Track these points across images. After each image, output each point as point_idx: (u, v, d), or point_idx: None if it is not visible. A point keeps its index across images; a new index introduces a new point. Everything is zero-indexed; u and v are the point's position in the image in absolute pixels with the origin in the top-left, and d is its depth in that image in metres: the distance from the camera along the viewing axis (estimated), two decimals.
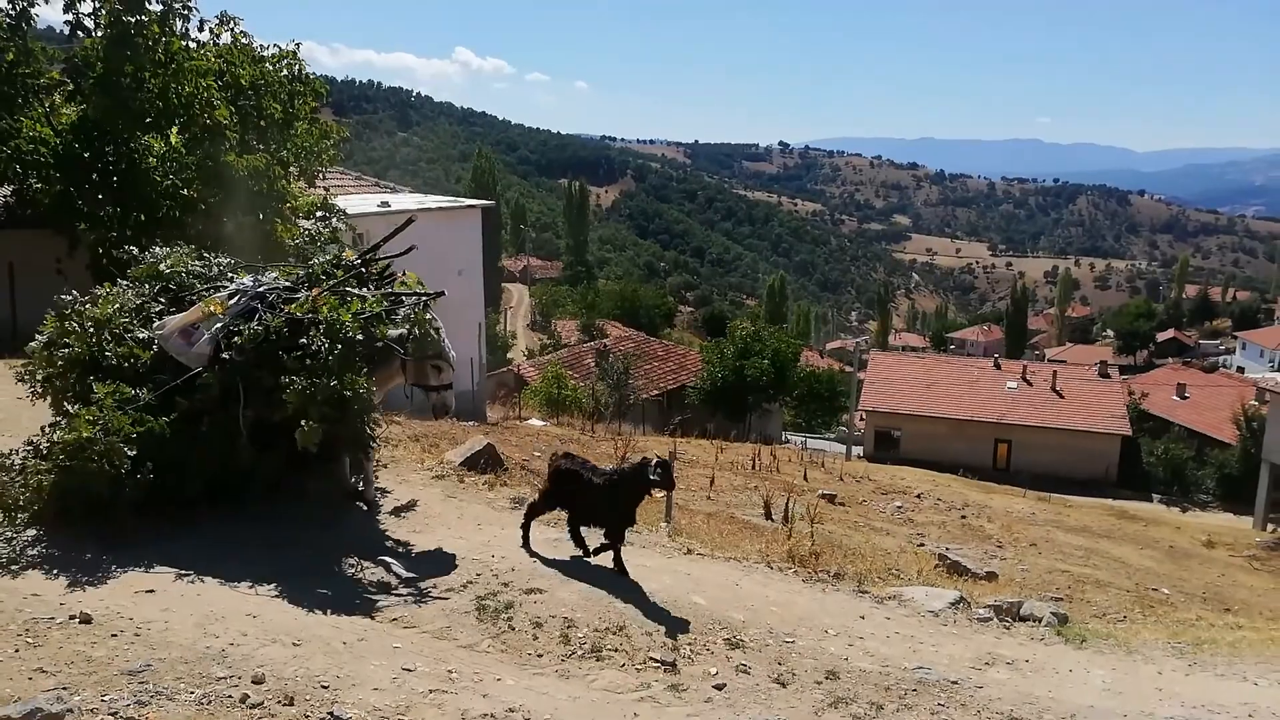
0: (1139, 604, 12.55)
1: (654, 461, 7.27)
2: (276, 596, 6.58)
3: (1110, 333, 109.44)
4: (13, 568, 6.44)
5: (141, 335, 7.97)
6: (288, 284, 8.29)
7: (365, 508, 8.52)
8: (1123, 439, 43.21)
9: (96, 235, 14.68)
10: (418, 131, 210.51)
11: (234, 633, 6.05)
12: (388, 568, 7.35)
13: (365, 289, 8.42)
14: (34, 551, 6.71)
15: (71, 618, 5.87)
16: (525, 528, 7.99)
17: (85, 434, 6.88)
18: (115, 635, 5.79)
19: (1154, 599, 13.43)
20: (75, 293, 8.38)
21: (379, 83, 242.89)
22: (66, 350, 7.80)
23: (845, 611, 7.55)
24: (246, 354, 7.50)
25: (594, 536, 7.80)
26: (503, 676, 5.91)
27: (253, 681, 5.44)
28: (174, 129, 14.52)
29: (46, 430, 7.84)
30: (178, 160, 14.44)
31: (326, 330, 7.43)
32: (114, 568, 6.63)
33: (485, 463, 10.80)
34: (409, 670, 5.81)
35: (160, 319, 8.18)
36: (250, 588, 6.67)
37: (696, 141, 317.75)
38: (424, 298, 8.32)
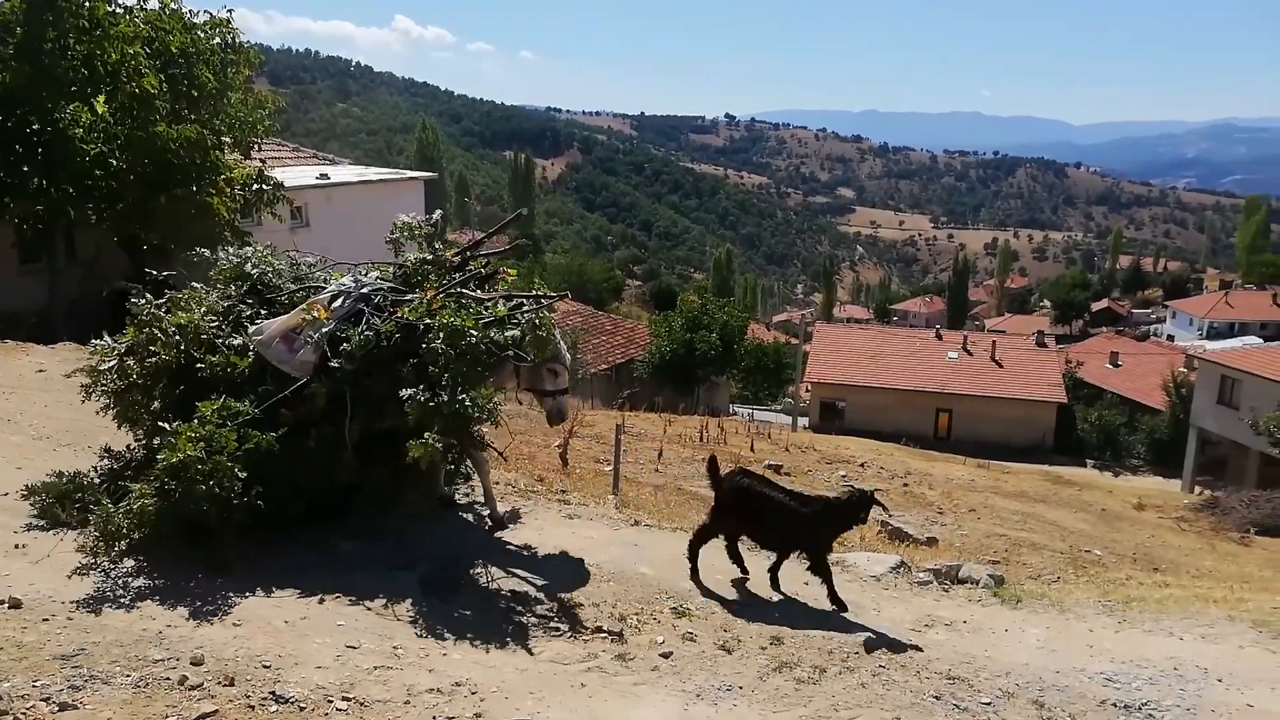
0: (1072, 565, 12.95)
1: (870, 491, 6.97)
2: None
3: (1047, 303, 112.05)
4: (121, 599, 6.02)
5: (236, 342, 7.30)
6: (392, 285, 7.64)
7: (491, 523, 8.05)
8: (1059, 407, 44.40)
9: (21, 209, 14.16)
10: (358, 102, 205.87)
11: (172, 615, 5.94)
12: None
13: (477, 289, 7.80)
14: (140, 583, 6.26)
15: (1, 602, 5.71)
16: (694, 552, 7.40)
17: (190, 453, 6.30)
18: (47, 620, 5.65)
19: (1086, 560, 13.87)
20: (149, 296, 7.73)
21: (317, 51, 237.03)
22: (154, 360, 7.19)
23: (789, 578, 7.66)
24: (356, 362, 6.92)
25: (758, 558, 7.54)
26: (449, 651, 5.89)
27: (191, 663, 5.35)
28: (101, 98, 14.01)
29: (132, 448, 7.39)
30: (106, 130, 13.96)
31: (448, 337, 6.77)
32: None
33: None
34: (353, 648, 5.76)
35: (253, 323, 7.54)
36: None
37: (643, 113, 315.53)
38: (543, 298, 7.71)
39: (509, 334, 6.99)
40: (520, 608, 6.59)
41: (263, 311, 7.76)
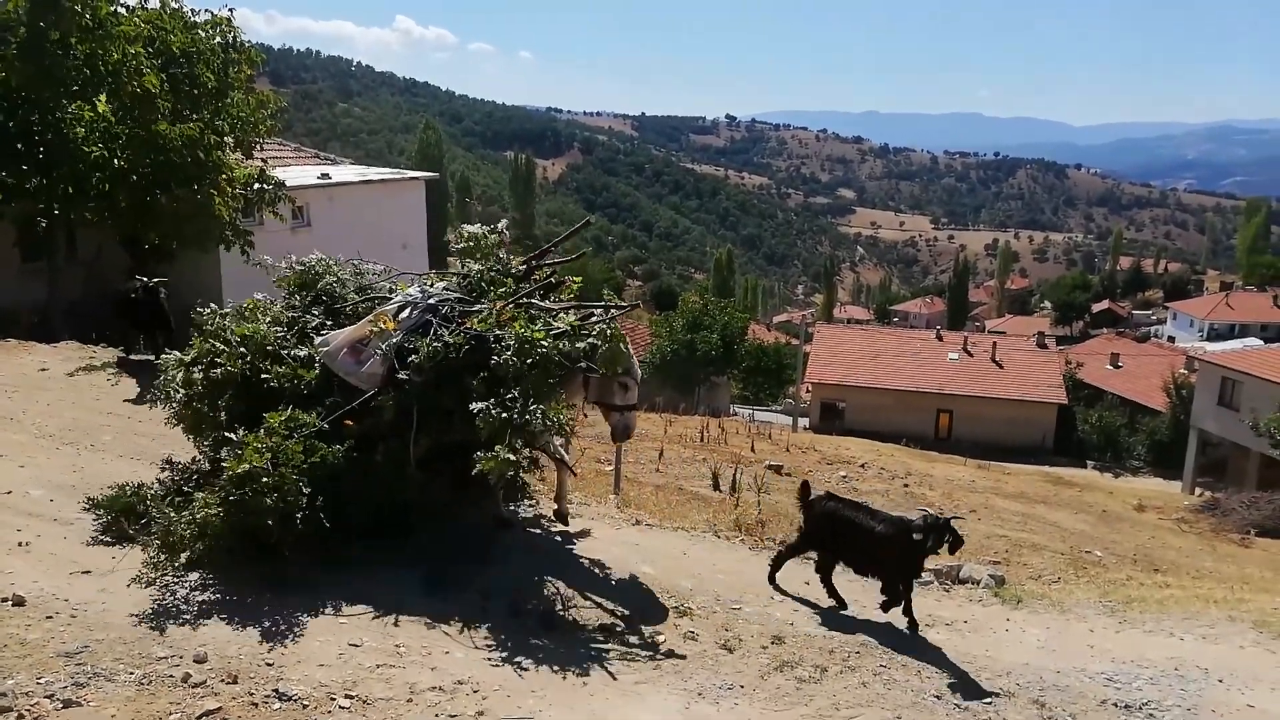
0: (1073, 566, 12.94)
1: (948, 518, 6.63)
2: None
3: (1048, 304, 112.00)
4: (184, 616, 5.90)
5: (301, 353, 7.19)
6: (458, 295, 7.45)
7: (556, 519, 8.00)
8: (1059, 408, 44.39)
9: (23, 208, 14.16)
10: (359, 102, 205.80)
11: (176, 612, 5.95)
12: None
13: (545, 299, 7.66)
14: (204, 597, 6.12)
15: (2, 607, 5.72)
16: (776, 568, 7.45)
17: (256, 464, 6.15)
18: (50, 617, 5.66)
19: (1087, 561, 13.86)
20: (213, 305, 7.69)
21: (318, 51, 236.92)
22: (218, 370, 7.06)
23: (790, 578, 7.68)
24: (425, 374, 6.72)
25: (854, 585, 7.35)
26: (450, 650, 5.90)
27: (194, 660, 5.36)
28: (102, 97, 14.01)
29: (198, 460, 7.30)
30: (107, 129, 13.96)
31: (518, 348, 6.62)
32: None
33: None
34: (355, 646, 5.77)
35: (318, 334, 7.42)
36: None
37: (643, 114, 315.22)
38: (614, 308, 7.57)
39: (581, 345, 6.85)
40: (522, 604, 6.59)
41: (328, 322, 7.64)
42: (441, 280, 7.94)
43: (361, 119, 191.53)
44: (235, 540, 6.23)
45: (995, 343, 50.32)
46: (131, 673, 5.18)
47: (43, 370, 11.67)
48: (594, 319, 7.19)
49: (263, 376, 7.02)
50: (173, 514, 6.34)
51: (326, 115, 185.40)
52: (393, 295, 7.77)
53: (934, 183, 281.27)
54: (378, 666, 5.53)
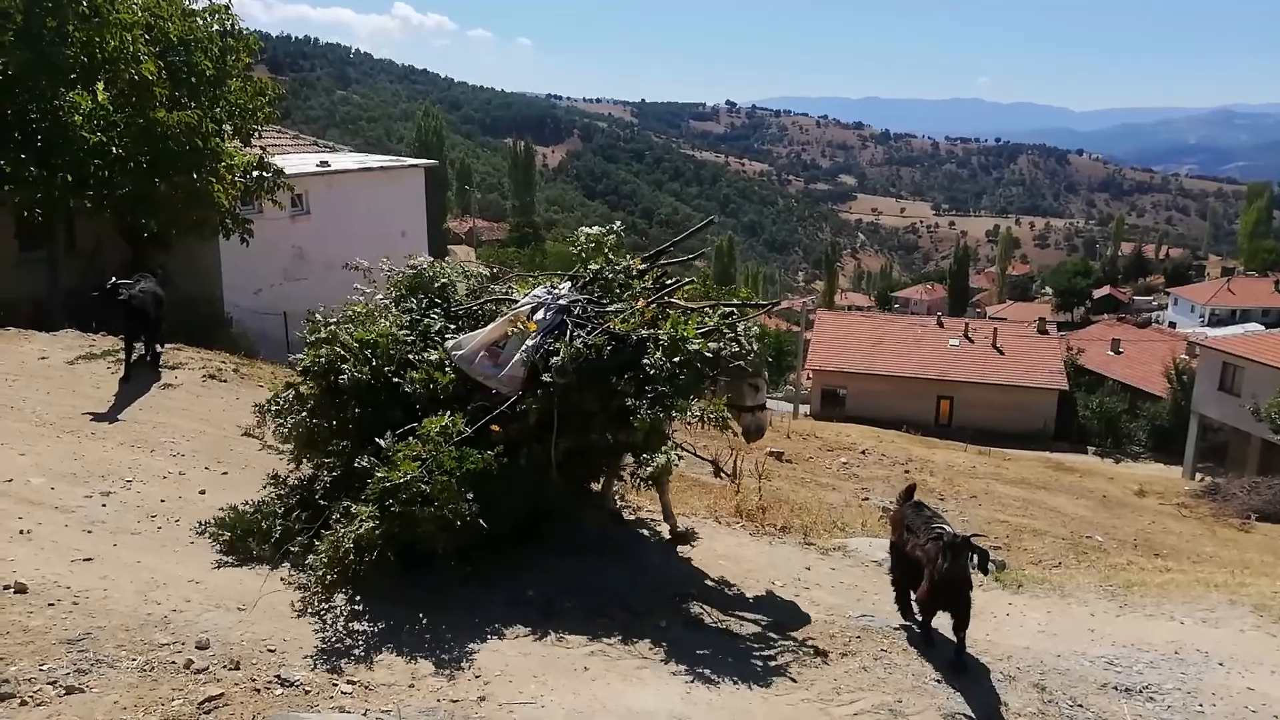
0: (1073, 551, 12.99)
1: (966, 536, 5.80)
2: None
3: (1049, 290, 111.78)
4: (354, 651, 5.58)
5: (432, 357, 6.98)
6: (588, 297, 7.25)
7: (668, 536, 7.83)
8: (1060, 394, 44.38)
9: (21, 198, 14.11)
10: (357, 89, 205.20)
11: (177, 599, 5.96)
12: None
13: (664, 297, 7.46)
14: (367, 627, 5.87)
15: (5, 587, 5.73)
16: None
17: (412, 472, 5.95)
18: (52, 605, 5.68)
19: (1088, 546, 13.91)
20: (323, 307, 7.50)
21: (316, 38, 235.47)
22: (344, 378, 6.85)
23: (792, 563, 7.69)
24: (568, 376, 6.50)
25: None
26: (454, 636, 5.91)
27: (196, 647, 5.38)
28: (100, 85, 13.96)
29: (321, 478, 7.04)
30: (105, 117, 13.91)
31: (668, 349, 6.47)
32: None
33: None
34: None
35: (442, 338, 7.22)
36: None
37: (643, 100, 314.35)
38: (752, 307, 7.43)
39: (731, 345, 6.72)
40: (526, 593, 6.60)
41: (452, 326, 7.45)
42: (566, 281, 7.69)
43: (360, 106, 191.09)
44: (394, 554, 6.02)
45: (996, 329, 50.28)
46: (134, 659, 5.20)
47: (42, 359, 11.66)
48: (734, 318, 7.05)
49: (395, 381, 6.82)
50: (340, 527, 6.04)
51: (325, 103, 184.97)
52: (510, 296, 7.64)
53: (935, 169, 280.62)
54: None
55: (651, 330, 6.70)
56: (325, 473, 7.12)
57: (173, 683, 5.02)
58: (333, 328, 7.18)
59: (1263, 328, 56.12)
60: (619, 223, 8.23)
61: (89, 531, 6.88)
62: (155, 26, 14.74)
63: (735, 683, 5.58)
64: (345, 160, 22.82)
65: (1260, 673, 6.12)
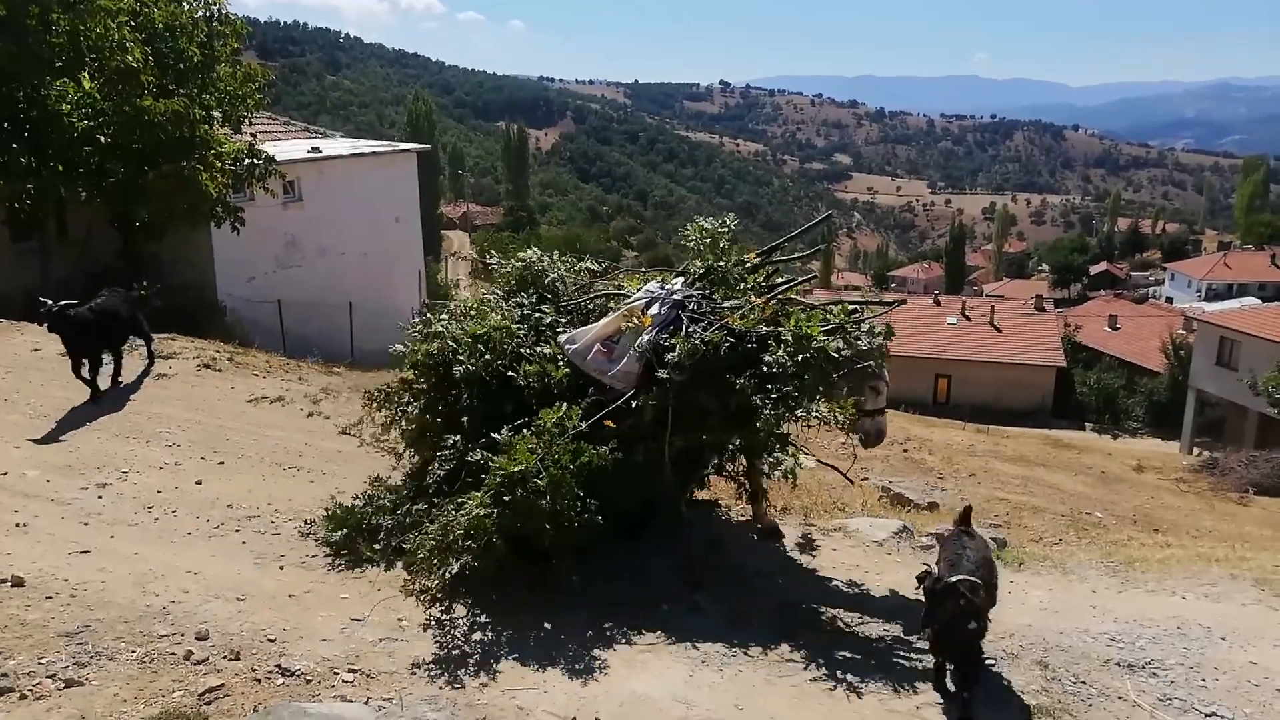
0: (1073, 527, 12.97)
1: (953, 580, 5.08)
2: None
3: (1045, 267, 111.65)
4: (470, 663, 5.39)
5: (546, 351, 6.86)
6: (702, 292, 7.07)
7: (757, 536, 7.66)
8: (1057, 370, 44.42)
9: (11, 187, 14.00)
10: (348, 74, 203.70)
11: (176, 590, 5.93)
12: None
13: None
14: (489, 636, 5.71)
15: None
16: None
17: (529, 463, 5.83)
18: (50, 597, 5.64)
19: (1087, 522, 13.90)
20: (427, 300, 7.53)
21: (305, 23, 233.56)
22: (458, 370, 6.80)
23: (793, 544, 7.66)
24: (686, 372, 6.32)
25: None
26: (456, 624, 5.89)
27: (196, 638, 5.35)
28: (86, 73, 13.83)
29: (433, 471, 6.86)
30: (92, 106, 13.78)
31: (794, 346, 6.27)
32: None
33: None
34: (358, 620, 5.76)
35: (553, 331, 7.11)
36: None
37: (636, 81, 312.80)
38: (878, 304, 7.22)
39: (857, 344, 6.52)
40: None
41: (563, 320, 7.36)
42: (679, 276, 7.48)
43: (351, 91, 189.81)
44: (506, 546, 5.85)
45: (993, 307, 50.28)
46: (133, 651, 5.17)
47: (35, 351, 11.60)
48: (857, 315, 6.85)
49: (509, 375, 6.75)
50: (452, 513, 5.92)
51: (315, 88, 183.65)
52: (621, 290, 7.52)
53: (930, 147, 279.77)
54: (380, 640, 5.50)
55: (772, 327, 6.51)
56: (438, 466, 6.95)
57: (173, 674, 4.99)
58: (445, 324, 7.14)
59: (1259, 301, 56.03)
60: (733, 215, 8.05)
61: (85, 523, 6.84)
62: (141, 13, 14.58)
63: (739, 667, 5.56)
64: (337, 146, 22.65)
65: (1262, 646, 6.11)
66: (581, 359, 6.75)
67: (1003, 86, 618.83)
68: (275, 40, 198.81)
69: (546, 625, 5.90)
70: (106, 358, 10.25)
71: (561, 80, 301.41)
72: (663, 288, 7.12)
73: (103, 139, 13.84)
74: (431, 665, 5.32)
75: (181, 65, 14.88)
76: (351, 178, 20.99)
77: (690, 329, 6.54)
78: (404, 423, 7.13)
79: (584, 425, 6.20)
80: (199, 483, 7.89)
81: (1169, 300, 76.46)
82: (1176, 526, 14.52)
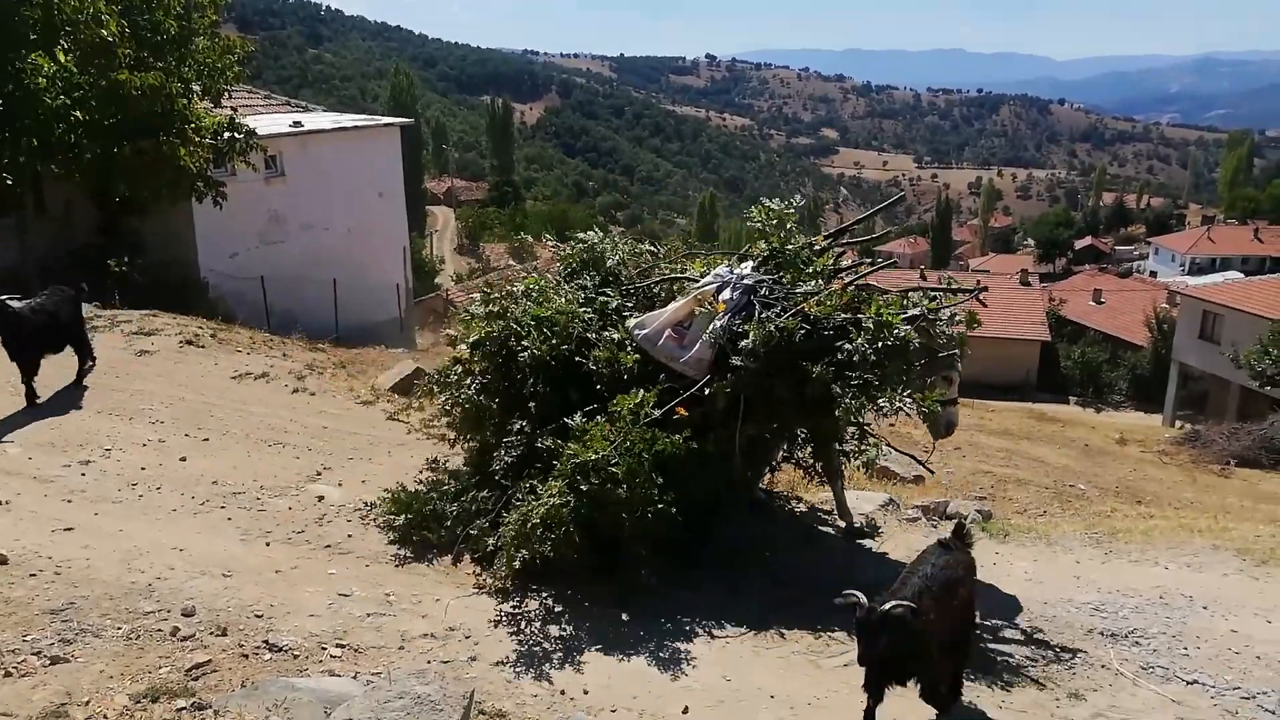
0: (1058, 499, 13.08)
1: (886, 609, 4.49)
2: None
3: (1031, 241, 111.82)
4: (544, 650, 5.32)
5: (614, 336, 6.66)
6: (774, 277, 6.84)
7: (837, 531, 7.60)
8: (1042, 345, 44.58)
9: None
10: (329, 48, 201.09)
11: (161, 567, 5.90)
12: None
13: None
14: (563, 631, 5.59)
15: None
16: None
17: (604, 451, 5.72)
18: (34, 575, 5.60)
19: (1071, 494, 14.01)
20: (489, 285, 7.22)
21: None
22: (524, 355, 6.60)
23: (788, 535, 7.67)
24: (760, 360, 6.17)
25: None
26: (441, 597, 5.89)
27: (182, 614, 5.33)
28: (61, 47, 13.55)
29: (500, 459, 6.62)
30: (68, 80, 13.52)
31: (874, 334, 6.11)
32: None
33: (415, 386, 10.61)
34: (345, 595, 5.75)
35: (619, 315, 6.94)
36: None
37: (622, 55, 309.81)
38: (962, 291, 7.11)
39: (941, 330, 6.45)
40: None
41: (629, 305, 7.17)
42: (749, 260, 7.25)
43: (333, 65, 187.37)
44: (579, 534, 5.71)
45: (979, 281, 50.36)
46: (119, 628, 5.15)
47: None
48: (936, 302, 6.74)
49: (578, 360, 6.58)
50: (531, 502, 5.77)
51: (296, 62, 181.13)
52: (686, 274, 7.36)
53: (917, 121, 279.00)
54: (368, 615, 5.50)
55: (850, 314, 6.36)
56: (503, 452, 6.72)
57: (159, 650, 4.97)
58: (502, 302, 6.94)
59: (1242, 275, 56.42)
60: (799, 196, 7.99)
61: (69, 501, 6.79)
62: None
63: (726, 640, 5.59)
64: (319, 120, 22.35)
65: (1243, 615, 6.19)
66: (652, 345, 6.56)
67: (989, 60, 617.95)
68: (255, 13, 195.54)
69: (624, 616, 5.82)
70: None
71: (546, 54, 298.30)
72: (732, 272, 6.92)
73: (78, 114, 13.59)
74: (419, 639, 5.32)
75: (159, 38, 14.60)
76: (335, 152, 20.73)
77: (763, 315, 6.36)
78: (459, 407, 6.91)
79: (657, 413, 6.07)
80: (183, 459, 7.84)
81: (1153, 274, 76.78)
82: (1159, 498, 14.65)
